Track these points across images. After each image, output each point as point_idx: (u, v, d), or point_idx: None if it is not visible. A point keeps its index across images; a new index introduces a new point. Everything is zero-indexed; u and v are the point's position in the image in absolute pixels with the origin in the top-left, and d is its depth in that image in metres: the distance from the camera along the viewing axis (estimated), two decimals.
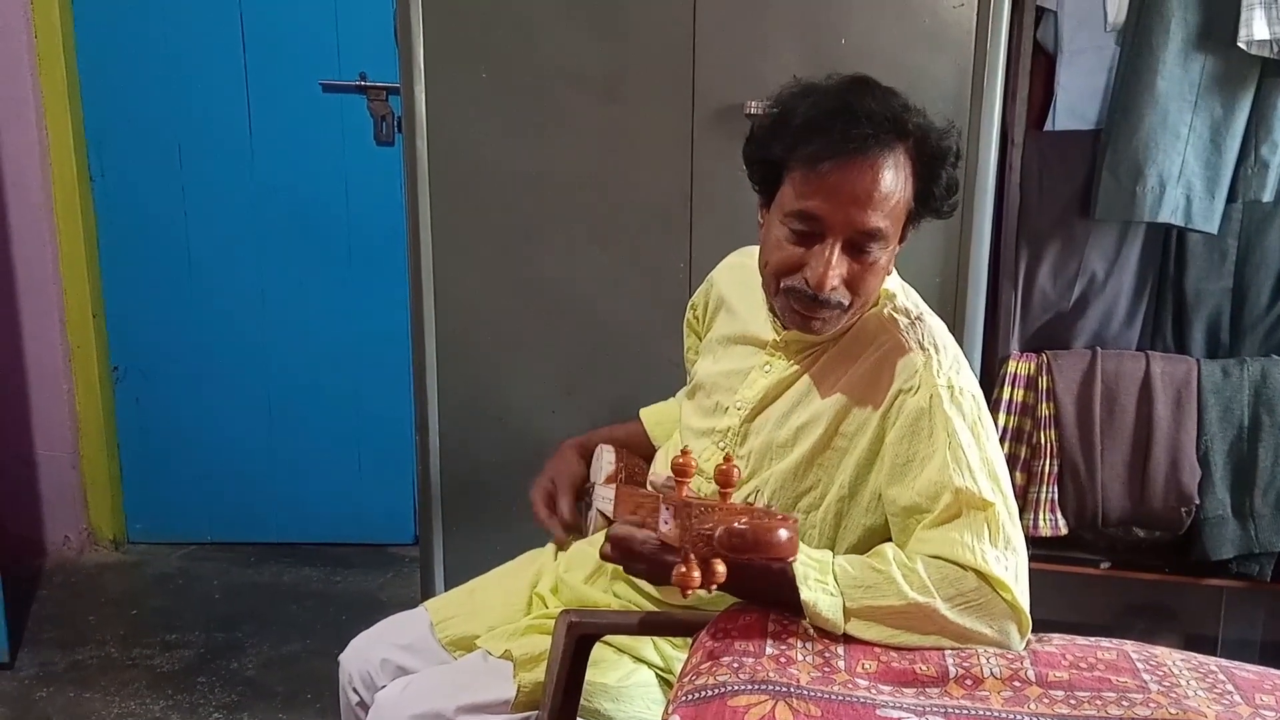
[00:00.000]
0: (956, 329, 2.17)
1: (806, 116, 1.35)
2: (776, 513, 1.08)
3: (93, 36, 3.06)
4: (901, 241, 1.42)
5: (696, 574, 1.09)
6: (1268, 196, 2.20)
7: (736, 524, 1.06)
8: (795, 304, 1.39)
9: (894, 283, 1.51)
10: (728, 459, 1.13)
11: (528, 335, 2.32)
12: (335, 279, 3.20)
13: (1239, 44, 2.05)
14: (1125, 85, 2.13)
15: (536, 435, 2.24)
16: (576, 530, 1.71)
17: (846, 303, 1.38)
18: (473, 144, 2.24)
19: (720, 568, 1.09)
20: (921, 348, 1.39)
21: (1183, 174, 2.14)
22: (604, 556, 1.34)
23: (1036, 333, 2.34)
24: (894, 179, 1.34)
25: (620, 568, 1.34)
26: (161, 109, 3.09)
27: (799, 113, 1.36)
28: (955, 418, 1.33)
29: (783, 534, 1.06)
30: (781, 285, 1.39)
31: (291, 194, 3.14)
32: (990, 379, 2.32)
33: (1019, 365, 2.31)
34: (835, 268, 1.34)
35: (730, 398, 1.54)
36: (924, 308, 1.49)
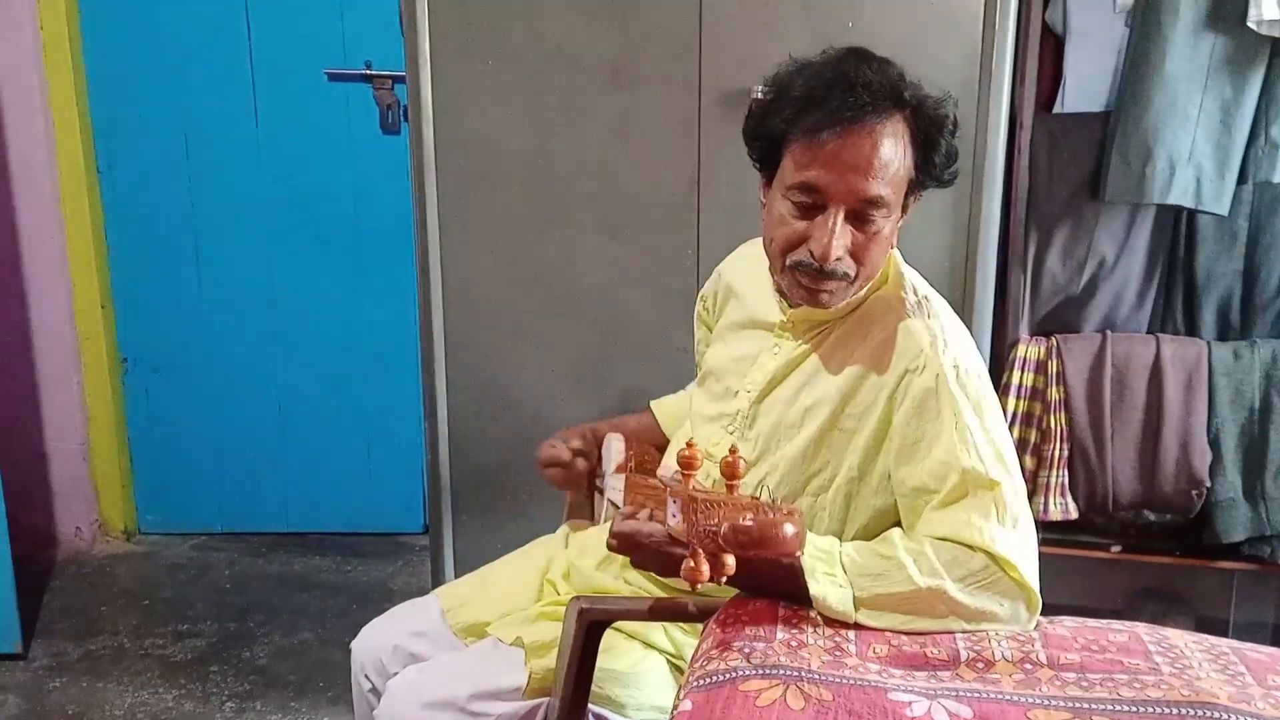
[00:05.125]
0: (966, 313, 2.16)
1: (803, 89, 1.36)
2: (782, 507, 1.08)
3: (99, 28, 3.06)
4: (904, 213, 1.43)
5: (705, 568, 1.09)
6: (1278, 177, 2.18)
7: (742, 520, 1.06)
8: (802, 278, 1.39)
9: (902, 266, 1.50)
10: (733, 451, 1.13)
11: (536, 323, 2.32)
12: (343, 268, 3.20)
13: (1249, 24, 2.04)
14: (1134, 67, 2.12)
15: (545, 423, 2.24)
16: (578, 474, 1.72)
17: (852, 274, 1.38)
18: (479, 132, 2.24)
19: (729, 560, 1.09)
20: (927, 328, 1.39)
21: (1193, 155, 2.13)
22: (611, 549, 1.35)
23: (1046, 316, 2.33)
24: (893, 147, 1.34)
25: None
26: (168, 100, 3.09)
27: (796, 86, 1.37)
28: (960, 398, 1.34)
29: (789, 529, 1.07)
30: (787, 261, 1.40)
31: (298, 183, 3.14)
32: (1000, 363, 2.31)
33: (1029, 349, 2.30)
34: (839, 237, 1.35)
35: (740, 381, 1.54)
36: (930, 290, 1.49)
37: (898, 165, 1.35)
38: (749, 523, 1.06)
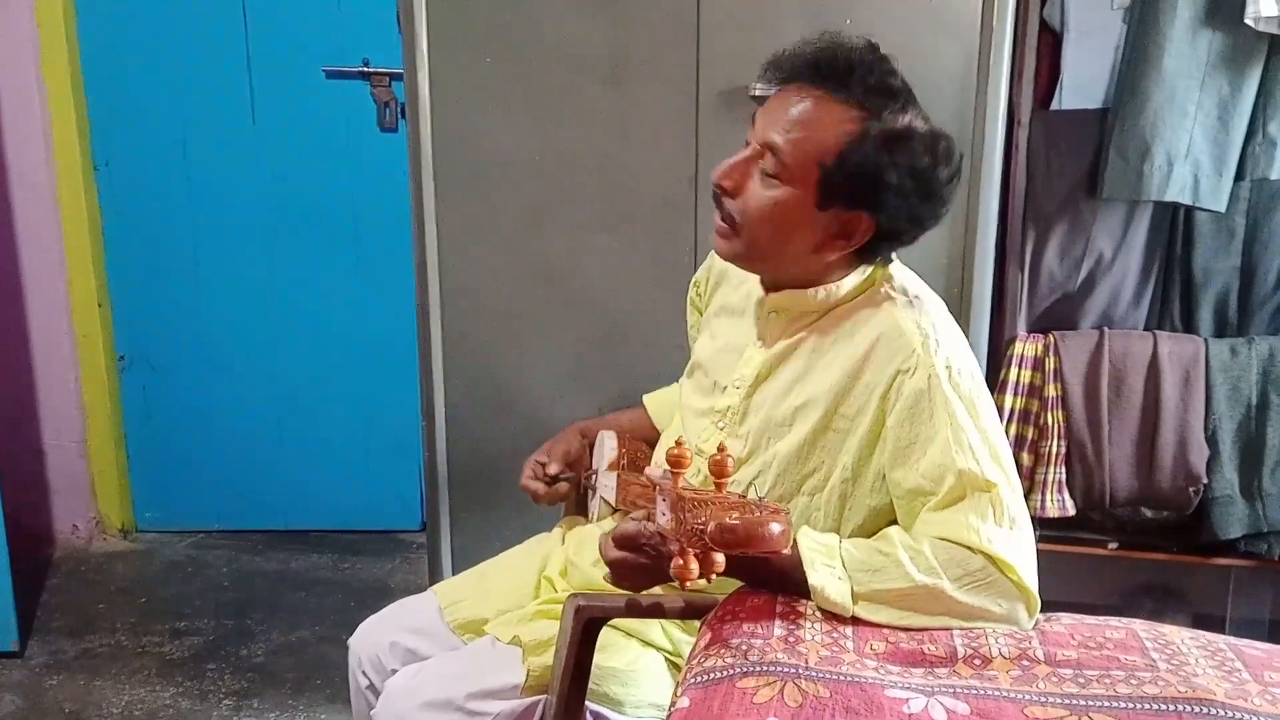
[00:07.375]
0: (963, 310, 2.16)
1: (776, 58, 1.44)
2: (768, 505, 1.09)
3: (96, 26, 3.06)
4: (820, 208, 1.37)
5: (694, 565, 1.09)
6: (1276, 174, 2.18)
7: (728, 519, 1.06)
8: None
9: (894, 265, 1.50)
10: (721, 449, 1.13)
11: (533, 321, 2.32)
12: (341, 266, 3.19)
13: (1246, 21, 2.04)
14: (1132, 64, 2.12)
15: (543, 421, 2.24)
16: (561, 496, 1.76)
17: (736, 217, 1.41)
18: (477, 129, 2.24)
19: (719, 558, 1.10)
20: (919, 327, 1.38)
21: (1190, 152, 2.13)
22: (607, 561, 1.35)
23: (1044, 314, 2.33)
24: (814, 115, 1.36)
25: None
26: (165, 98, 3.08)
27: (785, 52, 1.44)
28: (954, 399, 1.33)
29: (774, 528, 1.07)
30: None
31: (296, 181, 3.14)
32: (997, 360, 2.31)
33: (1026, 346, 2.30)
34: (735, 165, 1.41)
35: (728, 376, 1.54)
36: (923, 288, 1.48)
37: (808, 136, 1.36)
38: (734, 521, 1.06)
